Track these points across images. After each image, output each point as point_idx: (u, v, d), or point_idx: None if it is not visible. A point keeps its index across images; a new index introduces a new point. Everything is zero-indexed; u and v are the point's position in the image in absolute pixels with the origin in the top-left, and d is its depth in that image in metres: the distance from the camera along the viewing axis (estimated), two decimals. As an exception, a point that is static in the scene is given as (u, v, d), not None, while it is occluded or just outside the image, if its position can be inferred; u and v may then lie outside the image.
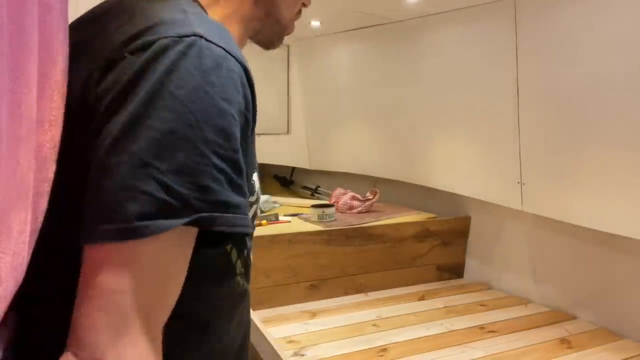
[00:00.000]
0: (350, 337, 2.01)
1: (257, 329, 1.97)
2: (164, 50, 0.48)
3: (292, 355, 1.83)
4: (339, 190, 3.01)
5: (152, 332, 0.47)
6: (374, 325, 2.13)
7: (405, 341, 1.96)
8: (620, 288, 2.01)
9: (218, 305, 0.60)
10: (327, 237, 2.44)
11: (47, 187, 0.73)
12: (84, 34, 0.57)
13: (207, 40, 0.50)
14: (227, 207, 0.49)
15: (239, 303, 0.64)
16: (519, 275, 2.49)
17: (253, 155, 0.60)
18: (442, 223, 2.72)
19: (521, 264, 2.47)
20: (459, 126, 2.59)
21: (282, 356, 1.78)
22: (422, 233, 2.64)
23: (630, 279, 1.97)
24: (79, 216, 0.49)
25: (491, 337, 2.01)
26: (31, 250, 0.73)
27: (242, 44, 0.69)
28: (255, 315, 2.12)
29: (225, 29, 0.56)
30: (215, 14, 0.61)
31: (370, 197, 2.89)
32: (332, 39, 3.29)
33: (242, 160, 0.51)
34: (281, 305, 2.32)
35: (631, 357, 1.83)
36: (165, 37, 0.49)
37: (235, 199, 0.50)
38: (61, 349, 0.46)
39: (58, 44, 0.68)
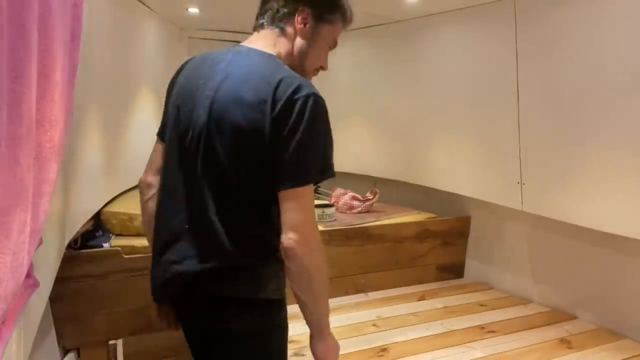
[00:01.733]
0: (350, 337, 2.00)
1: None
2: (306, 101, 1.10)
3: (292, 355, 1.84)
4: (339, 190, 3.01)
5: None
6: (374, 325, 2.13)
7: (405, 341, 1.96)
8: (620, 288, 2.01)
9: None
10: (327, 237, 2.44)
11: (48, 188, 0.73)
12: (228, 84, 1.18)
13: (317, 95, 1.13)
14: (333, 169, 1.20)
15: None
16: (519, 275, 2.49)
17: None
18: (442, 223, 2.72)
19: (521, 264, 2.47)
20: (459, 126, 2.59)
21: (282, 356, 1.78)
22: (422, 233, 2.64)
23: (630, 279, 1.97)
24: (254, 183, 1.14)
25: (491, 337, 2.01)
26: (33, 251, 0.73)
27: None
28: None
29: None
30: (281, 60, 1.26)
31: (370, 197, 2.89)
32: (332, 39, 3.29)
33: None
34: (281, 305, 2.32)
35: (631, 357, 1.83)
36: (305, 95, 1.10)
37: (333, 166, 1.20)
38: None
39: (59, 45, 0.68)
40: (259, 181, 1.14)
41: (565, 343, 1.95)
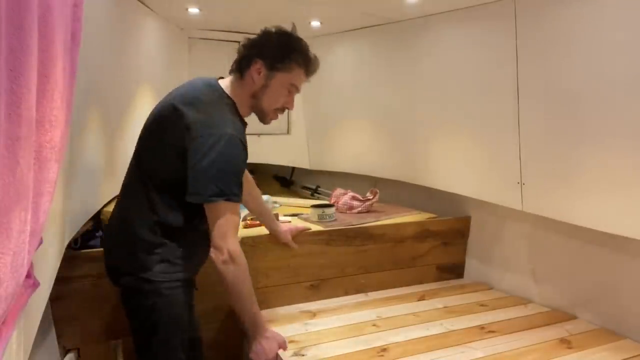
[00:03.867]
0: (350, 337, 2.00)
1: (257, 329, 1.96)
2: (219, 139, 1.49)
3: (292, 355, 1.83)
4: (339, 190, 3.01)
5: (236, 237, 1.52)
6: (374, 325, 2.13)
7: (405, 341, 1.96)
8: (620, 288, 2.01)
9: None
10: (327, 237, 2.43)
11: (48, 188, 0.73)
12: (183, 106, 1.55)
13: (232, 134, 1.49)
14: (236, 195, 1.49)
15: None
16: (519, 275, 2.49)
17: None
18: (442, 223, 2.72)
19: (521, 264, 2.47)
20: (459, 126, 2.59)
21: (282, 356, 1.78)
22: (422, 233, 2.64)
23: (630, 279, 1.97)
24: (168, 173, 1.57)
25: (491, 337, 2.00)
26: (33, 251, 0.73)
27: (248, 114, 1.66)
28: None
29: (237, 124, 1.57)
30: (236, 99, 1.60)
31: (370, 197, 2.89)
32: (332, 39, 3.29)
33: (241, 179, 1.52)
34: (281, 305, 2.32)
35: (631, 357, 1.83)
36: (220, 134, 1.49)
37: (239, 192, 1.50)
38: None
39: (58, 45, 0.68)
40: None
41: (565, 343, 1.95)
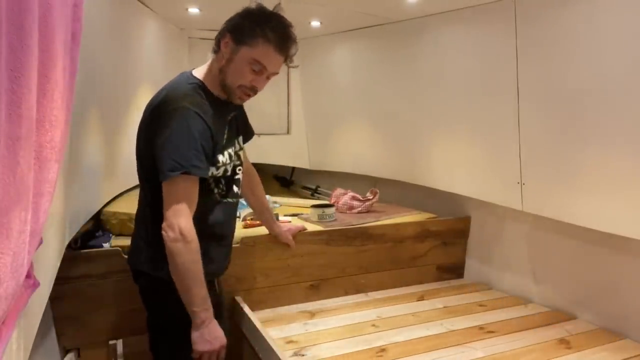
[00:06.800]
0: (350, 337, 2.00)
1: (257, 329, 1.97)
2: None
3: (292, 355, 1.83)
4: (339, 190, 3.01)
5: (190, 214, 1.44)
6: (374, 325, 2.13)
7: (404, 341, 1.96)
8: (620, 288, 2.01)
9: (205, 206, 1.55)
10: (327, 237, 2.43)
11: (48, 188, 0.73)
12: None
13: (184, 106, 1.47)
14: (196, 167, 1.44)
15: (217, 205, 1.62)
16: (519, 275, 2.49)
17: (218, 147, 1.55)
18: (442, 223, 2.72)
19: (521, 264, 2.47)
20: (459, 126, 2.59)
21: (281, 356, 1.78)
22: (422, 233, 2.64)
23: (630, 279, 1.97)
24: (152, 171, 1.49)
25: (491, 337, 2.00)
26: (33, 250, 0.73)
27: (222, 94, 1.60)
28: (255, 316, 2.12)
29: (196, 99, 1.51)
30: (205, 80, 1.58)
31: (370, 197, 2.89)
32: (332, 39, 3.29)
33: (201, 151, 1.46)
34: (281, 305, 2.32)
35: (631, 357, 1.83)
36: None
37: (200, 164, 1.46)
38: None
39: (58, 45, 0.68)
40: None
41: (565, 343, 1.95)
